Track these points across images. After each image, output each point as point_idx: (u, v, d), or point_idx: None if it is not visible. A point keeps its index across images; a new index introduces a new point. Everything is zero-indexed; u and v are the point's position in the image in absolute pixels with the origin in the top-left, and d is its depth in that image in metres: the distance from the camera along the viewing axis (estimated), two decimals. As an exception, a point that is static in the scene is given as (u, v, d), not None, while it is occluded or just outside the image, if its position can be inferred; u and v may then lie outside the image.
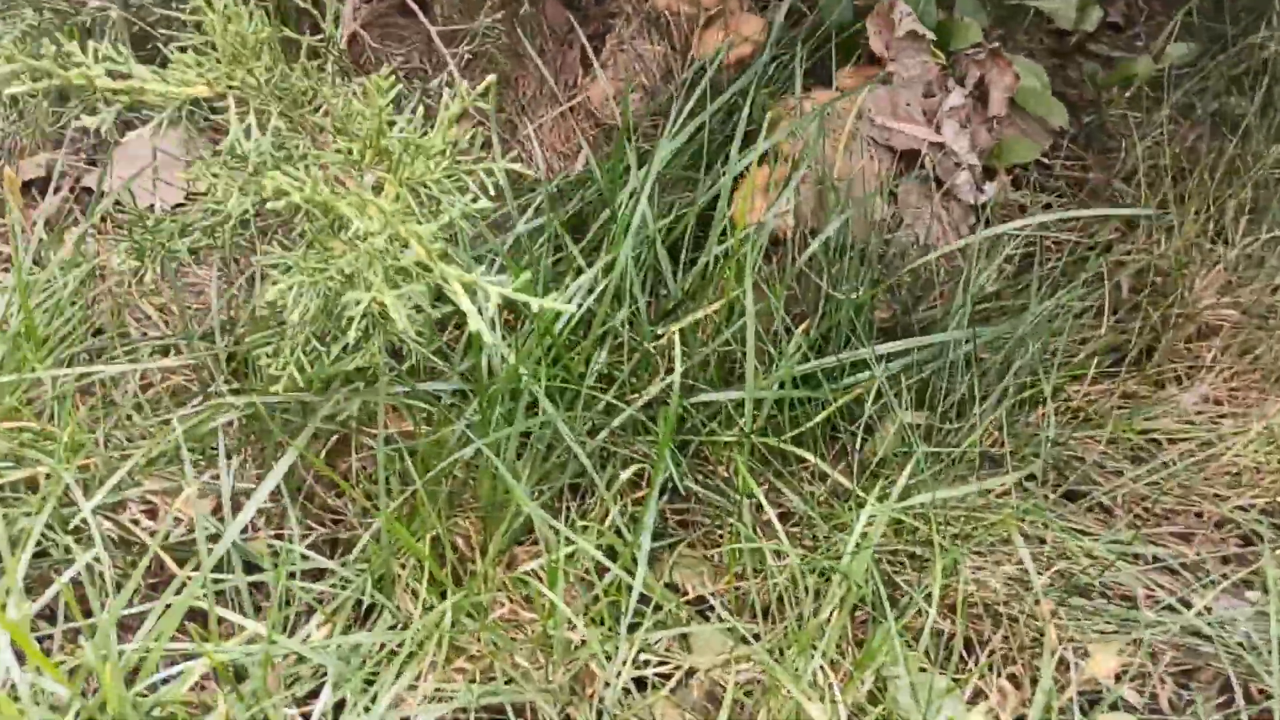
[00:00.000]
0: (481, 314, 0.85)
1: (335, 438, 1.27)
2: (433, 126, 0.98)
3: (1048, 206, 1.62)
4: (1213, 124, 1.74)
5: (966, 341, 1.38)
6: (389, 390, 1.22)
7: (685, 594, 1.19)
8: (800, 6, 1.65)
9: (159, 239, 1.12)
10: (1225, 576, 1.25)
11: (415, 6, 1.43)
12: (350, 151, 0.99)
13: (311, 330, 1.12)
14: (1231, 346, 1.48)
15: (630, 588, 1.10)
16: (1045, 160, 1.68)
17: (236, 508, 1.17)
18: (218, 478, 1.18)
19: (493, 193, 1.00)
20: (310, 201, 0.92)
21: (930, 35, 1.54)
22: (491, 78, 0.99)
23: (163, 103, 0.97)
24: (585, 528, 1.18)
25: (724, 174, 1.39)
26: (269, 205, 0.90)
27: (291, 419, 1.23)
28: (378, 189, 1.00)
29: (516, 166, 1.03)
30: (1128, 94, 1.80)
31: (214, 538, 1.11)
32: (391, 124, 1.01)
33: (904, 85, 1.54)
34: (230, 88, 0.98)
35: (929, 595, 1.15)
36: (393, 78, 0.98)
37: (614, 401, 1.27)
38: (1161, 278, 1.53)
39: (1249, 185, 1.58)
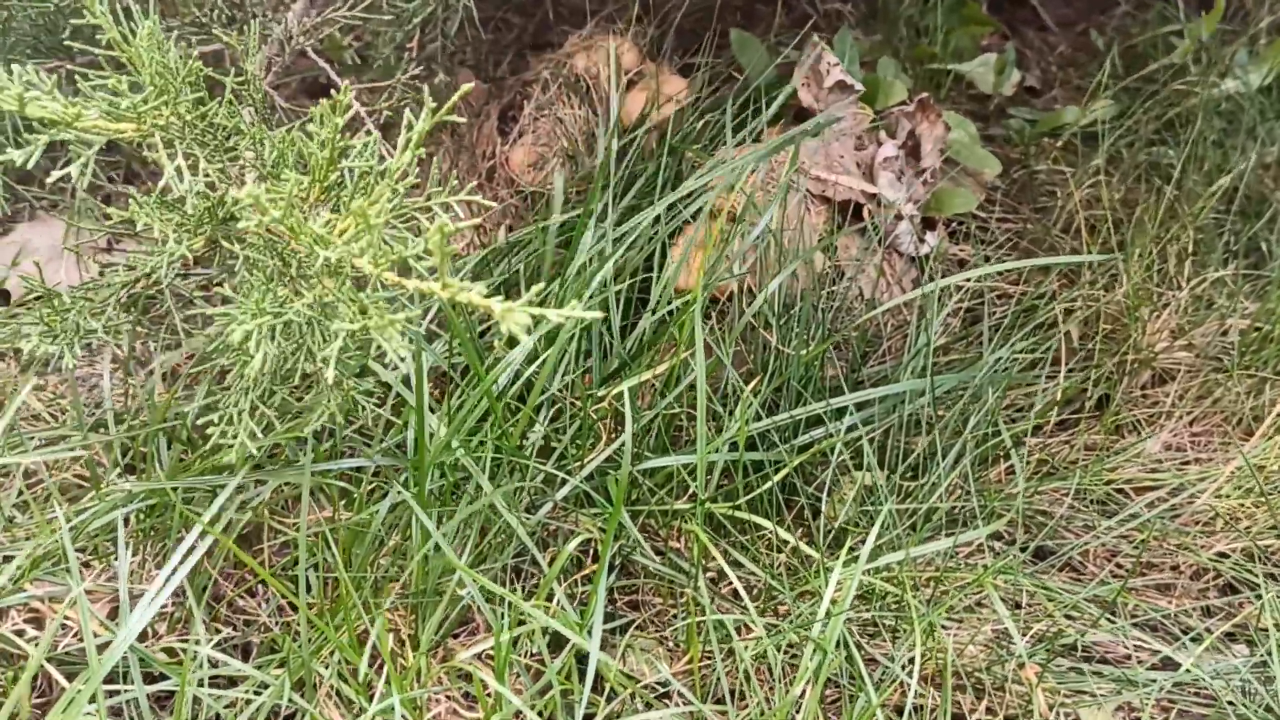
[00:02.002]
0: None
1: (245, 527, 1.14)
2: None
3: (988, 260, 1.57)
4: (1145, 172, 1.72)
5: (923, 393, 1.31)
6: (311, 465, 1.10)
7: (640, 680, 1.08)
8: (723, 68, 1.64)
9: (72, 316, 1.01)
10: (1209, 631, 1.17)
11: (330, 68, 1.33)
12: (300, 186, 0.90)
13: (257, 394, 1.02)
14: (1189, 390, 1.44)
15: (583, 673, 0.99)
16: (980, 214, 1.65)
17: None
18: (115, 578, 1.05)
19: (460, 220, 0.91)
20: (290, 229, 0.83)
21: (859, 85, 1.52)
22: (468, 85, 0.91)
23: (89, 140, 0.86)
24: (527, 614, 1.06)
25: (658, 234, 1.34)
26: (242, 225, 0.80)
27: (197, 509, 1.11)
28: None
29: (477, 198, 0.94)
30: (1058, 145, 1.79)
31: (108, 645, 0.97)
32: (343, 154, 0.92)
33: (836, 137, 1.51)
34: (156, 126, 0.88)
35: (907, 664, 1.05)
36: (349, 94, 0.90)
37: (555, 473, 1.17)
38: (1111, 324, 1.49)
39: (1189, 227, 1.55)
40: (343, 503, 1.18)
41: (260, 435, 0.95)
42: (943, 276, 1.50)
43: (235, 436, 0.93)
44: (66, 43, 1.17)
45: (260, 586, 1.14)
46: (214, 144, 0.92)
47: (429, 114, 0.89)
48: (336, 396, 1.06)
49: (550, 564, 1.12)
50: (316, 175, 0.87)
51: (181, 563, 1.01)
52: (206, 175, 0.90)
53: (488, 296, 0.75)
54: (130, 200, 0.88)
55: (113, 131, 0.85)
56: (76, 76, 0.87)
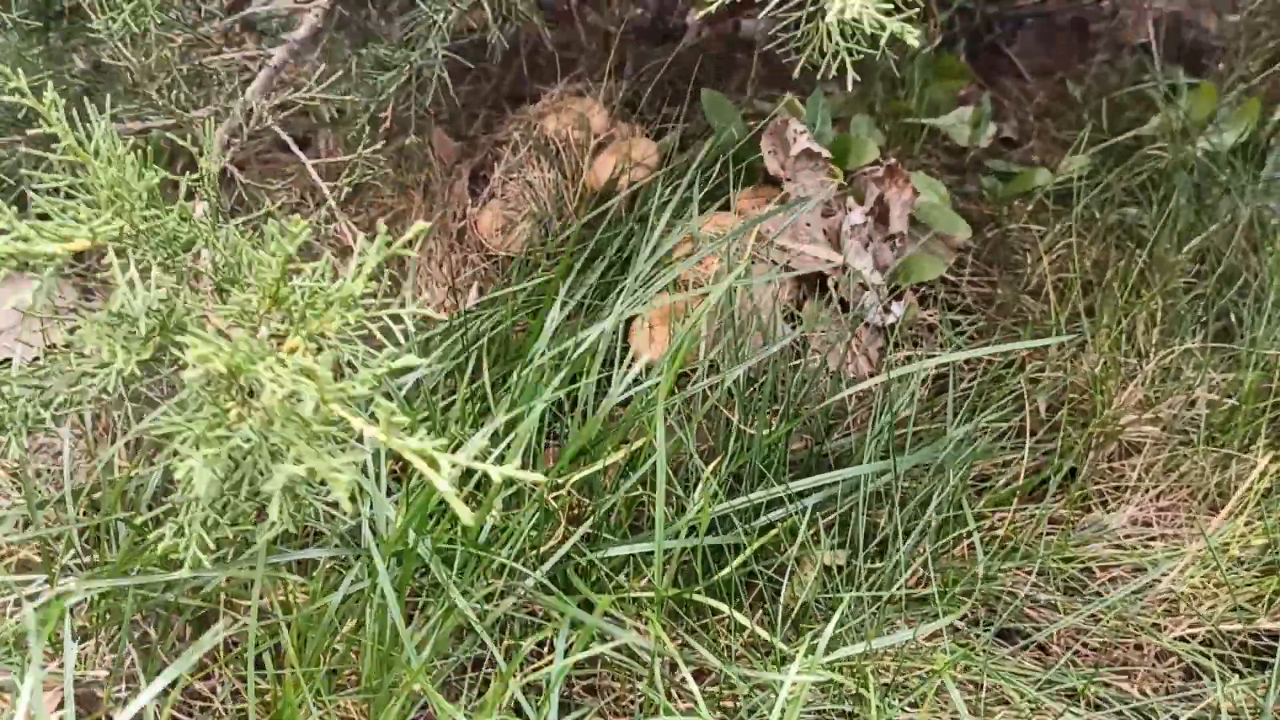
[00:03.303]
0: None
1: (198, 613, 1.13)
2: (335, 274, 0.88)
3: (956, 325, 1.57)
4: (1116, 235, 1.71)
5: (884, 473, 1.31)
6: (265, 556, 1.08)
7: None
8: (697, 128, 1.63)
9: (19, 405, 0.99)
10: (1175, 718, 1.15)
11: (291, 141, 1.32)
12: (248, 302, 0.89)
13: (211, 503, 0.99)
14: (1156, 465, 1.42)
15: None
16: (951, 277, 1.65)
17: (86, 701, 1.03)
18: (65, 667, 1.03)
19: (403, 341, 0.91)
20: (237, 370, 0.80)
21: (826, 154, 1.50)
22: (420, 224, 0.89)
23: (44, 262, 0.85)
24: (482, 705, 1.04)
25: (622, 309, 1.33)
26: (187, 376, 0.78)
27: (151, 595, 1.09)
28: (275, 340, 0.90)
29: (428, 311, 0.92)
30: (1029, 207, 1.78)
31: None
32: (296, 272, 0.91)
33: (803, 207, 1.49)
34: (109, 239, 0.87)
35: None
36: (304, 224, 0.88)
37: (515, 567, 1.16)
38: (1079, 394, 1.47)
39: (1158, 295, 1.53)
40: (303, 580, 1.16)
41: (212, 545, 0.93)
42: (911, 344, 1.49)
43: (188, 549, 0.90)
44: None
45: (216, 668, 1.13)
46: (168, 250, 0.90)
47: (382, 244, 0.87)
48: (289, 508, 1.04)
49: (507, 656, 1.11)
50: (266, 292, 0.84)
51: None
52: (159, 285, 0.87)
53: (430, 429, 0.74)
54: (80, 318, 0.86)
55: (67, 250, 0.83)
56: (31, 194, 0.85)
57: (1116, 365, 1.49)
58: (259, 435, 0.84)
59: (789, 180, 1.52)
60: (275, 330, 0.89)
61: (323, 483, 1.02)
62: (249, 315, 0.89)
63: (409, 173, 1.63)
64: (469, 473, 1.21)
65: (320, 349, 0.88)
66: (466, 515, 0.71)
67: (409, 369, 1.03)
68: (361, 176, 1.30)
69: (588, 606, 1.16)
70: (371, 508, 1.15)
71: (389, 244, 0.85)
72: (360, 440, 0.86)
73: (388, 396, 1.31)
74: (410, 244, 0.87)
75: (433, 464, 0.74)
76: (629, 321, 1.42)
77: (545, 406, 1.26)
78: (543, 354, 1.32)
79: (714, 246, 1.36)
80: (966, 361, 1.50)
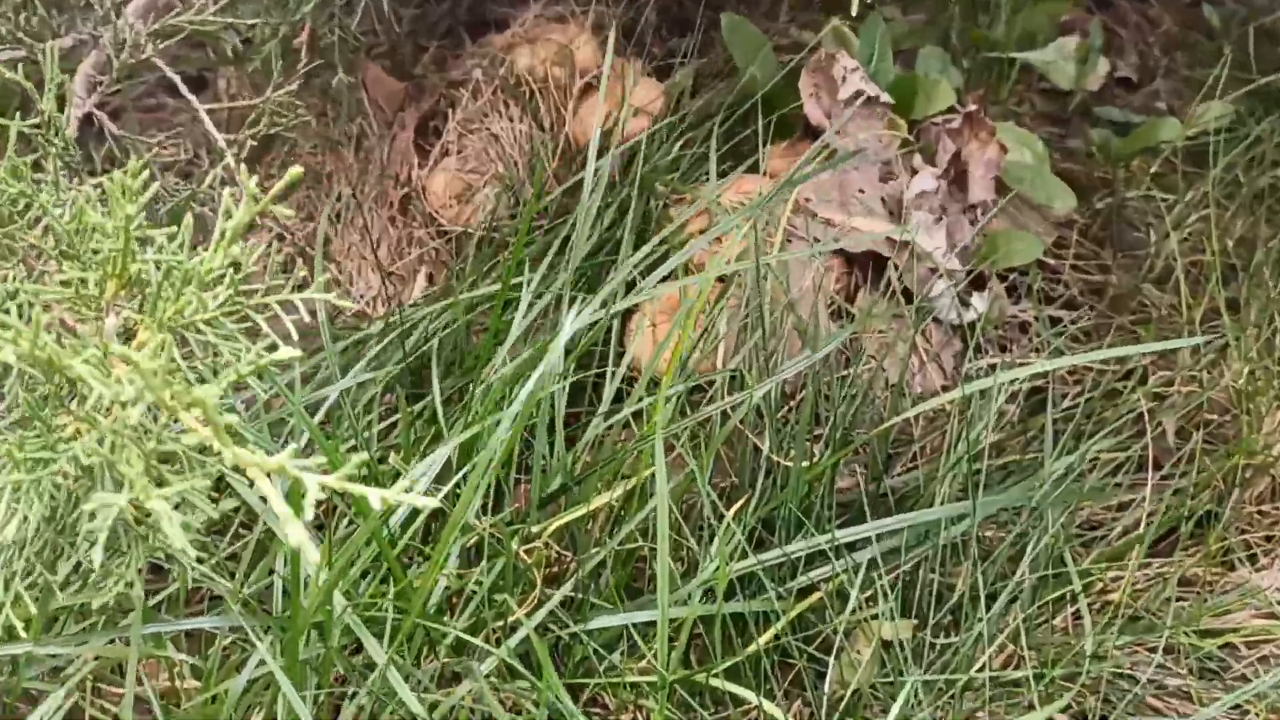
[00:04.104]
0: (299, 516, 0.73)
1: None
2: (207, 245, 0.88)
3: (1056, 323, 1.56)
4: (1267, 206, 1.71)
5: (962, 518, 1.29)
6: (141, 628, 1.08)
7: None
8: (714, 65, 1.63)
9: None
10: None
11: (180, 81, 1.31)
12: (84, 283, 0.89)
13: (35, 551, 0.98)
14: (1320, 509, 1.41)
15: None
16: (1050, 259, 1.64)
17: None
18: None
19: (296, 336, 0.91)
20: (29, 361, 0.79)
21: (885, 98, 1.49)
22: (295, 170, 0.89)
23: None
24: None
25: (616, 302, 1.32)
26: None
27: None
28: (127, 335, 0.92)
29: (330, 297, 0.93)
30: (1153, 168, 1.77)
31: None
32: (145, 242, 0.92)
33: (855, 165, 1.49)
34: None
35: None
36: (145, 172, 0.89)
37: (472, 642, 1.16)
38: (1219, 415, 1.47)
39: (1323, 285, 1.54)
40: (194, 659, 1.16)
41: (33, 609, 0.92)
42: (998, 347, 1.49)
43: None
44: None
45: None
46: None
47: (250, 202, 0.87)
48: (140, 556, 1.01)
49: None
50: (110, 270, 0.86)
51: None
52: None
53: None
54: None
55: None
56: None
57: (1268, 377, 1.48)
58: (99, 457, 0.83)
59: (836, 133, 1.50)
60: (129, 322, 0.90)
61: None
62: (88, 300, 0.88)
63: (336, 123, 1.61)
64: (414, 514, 1.23)
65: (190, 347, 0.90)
66: (313, 555, 0.70)
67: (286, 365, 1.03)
68: (272, 127, 1.29)
69: (572, 693, 1.15)
70: (286, 563, 1.15)
71: (257, 197, 0.86)
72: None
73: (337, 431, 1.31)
74: (285, 196, 0.87)
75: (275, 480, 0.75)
76: (625, 318, 1.42)
77: (513, 430, 1.24)
78: (510, 361, 1.32)
79: (737, 220, 1.34)
80: (1070, 371, 1.50)
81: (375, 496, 0.73)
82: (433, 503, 0.74)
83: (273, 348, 0.87)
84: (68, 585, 1.02)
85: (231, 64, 1.48)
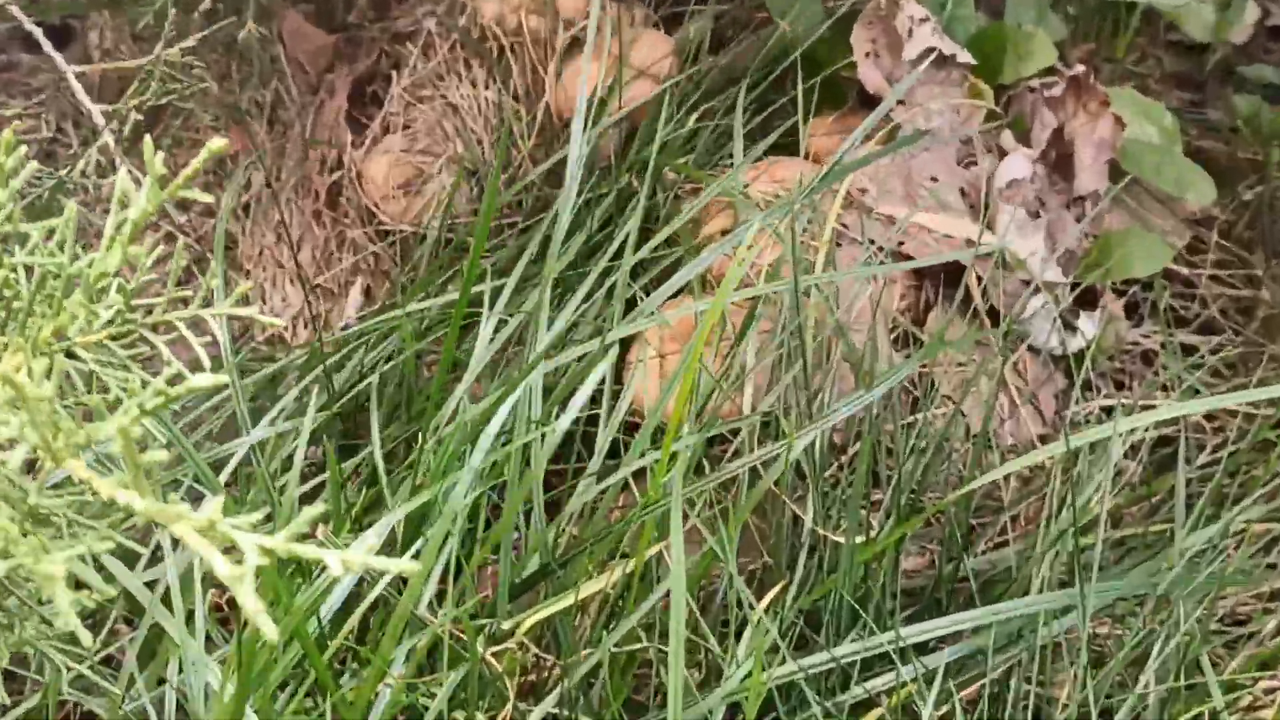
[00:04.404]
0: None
1: None
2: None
3: (1191, 352, 1.51)
4: None
5: (1067, 611, 1.23)
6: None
7: None
8: (738, 12, 1.60)
9: None
10: None
11: (41, 35, 1.26)
12: None
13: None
14: None
15: None
16: (1181, 268, 1.60)
17: None
18: None
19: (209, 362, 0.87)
20: None
21: (965, 56, 1.46)
22: (218, 142, 0.82)
23: None
24: None
25: (609, 329, 1.27)
26: None
27: None
28: None
29: (247, 312, 0.88)
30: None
31: None
32: (7, 240, 0.88)
33: (924, 147, 1.44)
34: None
35: None
36: (21, 148, 0.84)
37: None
38: None
39: None
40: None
41: None
42: (1114, 385, 1.47)
43: None
44: None
45: None
46: None
47: (154, 185, 0.79)
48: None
49: None
50: None
51: None
52: None
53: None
54: None
55: None
56: None
57: None
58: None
59: (900, 103, 1.49)
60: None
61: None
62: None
63: (244, 87, 1.59)
64: (355, 597, 1.18)
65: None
66: (270, 630, 0.61)
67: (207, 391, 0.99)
68: (162, 95, 1.20)
69: None
70: (180, 670, 1.11)
71: (162, 183, 0.79)
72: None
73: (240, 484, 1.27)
74: (198, 181, 0.92)
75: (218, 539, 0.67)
76: (624, 346, 1.37)
77: (478, 493, 1.21)
78: (472, 402, 1.28)
79: (770, 216, 1.28)
80: (1209, 416, 1.49)
81: (335, 560, 0.64)
82: (410, 567, 0.66)
83: (178, 377, 0.84)
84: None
85: (107, 8, 1.43)
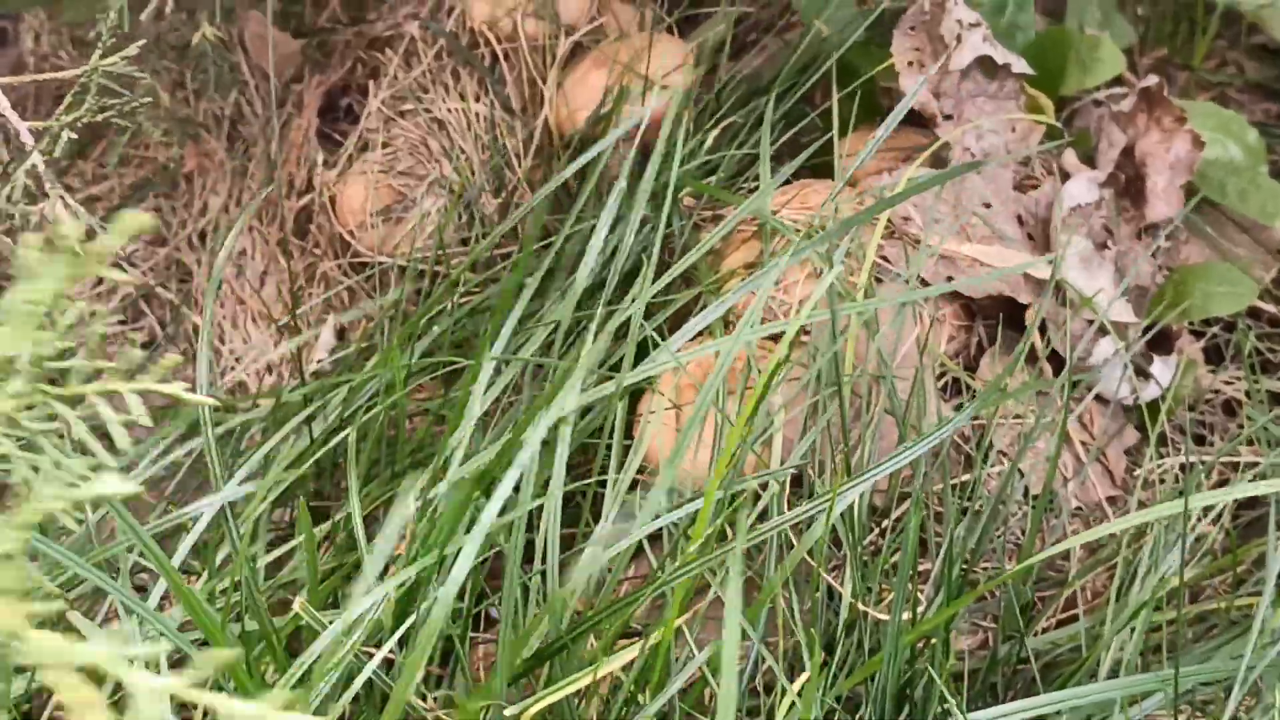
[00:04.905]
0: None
1: None
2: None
3: None
4: None
5: (1146, 697, 1.19)
6: None
7: None
8: (760, 20, 1.63)
9: None
10: None
11: None
12: None
13: None
14: None
15: None
16: (1269, 306, 1.57)
17: None
18: None
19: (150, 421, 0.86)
20: None
21: (1022, 65, 1.44)
22: (141, 218, 0.76)
23: None
24: None
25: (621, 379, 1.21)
26: None
27: None
28: None
29: (175, 389, 0.85)
30: None
31: None
32: None
33: (976, 169, 1.45)
34: None
35: None
36: None
37: None
38: None
39: None
40: None
41: None
42: (1193, 442, 1.45)
43: None
44: None
45: None
46: None
47: (69, 258, 0.75)
48: None
49: None
50: None
51: None
52: None
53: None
54: None
55: None
56: None
57: None
58: None
59: (948, 117, 1.47)
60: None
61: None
62: None
63: (200, 98, 1.56)
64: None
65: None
66: None
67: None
68: (100, 111, 1.14)
69: None
70: None
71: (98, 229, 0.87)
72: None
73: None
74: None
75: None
76: (635, 396, 1.35)
77: (470, 566, 1.08)
78: (465, 459, 1.23)
79: (801, 249, 1.24)
80: None
81: (240, 711, 0.59)
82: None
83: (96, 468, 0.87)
84: None
85: (42, 6, 1.39)
